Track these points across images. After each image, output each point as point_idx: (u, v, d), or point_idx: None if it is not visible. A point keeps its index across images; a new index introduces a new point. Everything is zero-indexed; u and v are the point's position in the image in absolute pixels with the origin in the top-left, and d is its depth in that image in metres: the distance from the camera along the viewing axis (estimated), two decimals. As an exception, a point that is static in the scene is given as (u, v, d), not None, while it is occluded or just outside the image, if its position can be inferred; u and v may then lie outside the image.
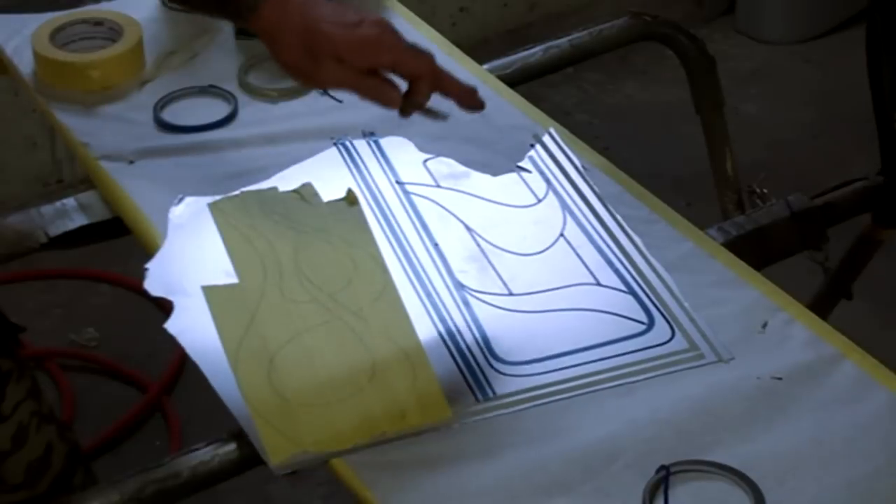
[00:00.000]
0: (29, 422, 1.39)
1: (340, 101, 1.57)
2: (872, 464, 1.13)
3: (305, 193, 1.42)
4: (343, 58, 1.24)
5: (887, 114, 1.64)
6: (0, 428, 1.37)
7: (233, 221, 1.39)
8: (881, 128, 1.66)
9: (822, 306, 1.77)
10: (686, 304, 1.29)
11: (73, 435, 1.49)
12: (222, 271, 1.33)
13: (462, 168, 1.48)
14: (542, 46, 1.76)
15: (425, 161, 1.49)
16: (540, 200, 1.44)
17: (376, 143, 1.51)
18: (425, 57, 1.27)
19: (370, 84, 1.27)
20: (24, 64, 1.64)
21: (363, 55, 1.25)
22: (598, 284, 1.33)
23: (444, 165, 1.48)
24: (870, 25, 1.63)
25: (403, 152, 1.50)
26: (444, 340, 1.26)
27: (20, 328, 1.41)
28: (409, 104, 1.29)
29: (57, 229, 1.49)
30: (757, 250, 1.46)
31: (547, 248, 1.38)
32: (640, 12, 1.82)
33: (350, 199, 1.42)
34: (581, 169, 1.47)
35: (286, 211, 1.40)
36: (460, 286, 1.32)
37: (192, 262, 1.35)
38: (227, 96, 1.58)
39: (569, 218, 1.42)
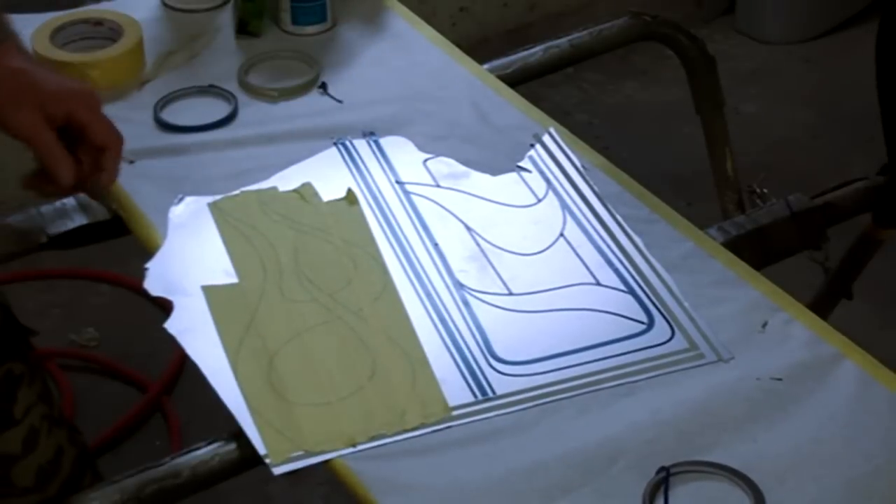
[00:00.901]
0: (40, 426, 1.38)
1: (340, 102, 1.57)
2: (872, 464, 1.13)
3: (305, 193, 1.43)
4: (44, 103, 1.25)
5: None
6: (11, 431, 1.36)
7: (233, 221, 1.39)
8: (888, 125, 1.65)
9: (822, 306, 1.77)
10: (686, 304, 1.29)
11: (83, 438, 1.49)
12: (222, 271, 1.33)
13: (462, 168, 1.48)
14: (542, 46, 1.75)
15: (425, 161, 1.49)
16: (540, 200, 1.44)
17: (376, 142, 1.51)
18: (118, 132, 1.30)
19: (51, 141, 1.27)
20: (24, 64, 1.63)
21: (64, 103, 1.26)
22: (598, 284, 1.33)
23: (444, 165, 1.48)
24: (883, 20, 1.62)
25: (403, 152, 1.50)
26: (444, 340, 1.26)
27: (32, 331, 1.40)
28: (94, 180, 1.30)
29: (57, 229, 1.49)
30: (757, 250, 1.46)
31: (547, 248, 1.38)
32: (640, 12, 1.82)
33: (350, 199, 1.42)
34: (581, 169, 1.47)
35: (286, 211, 1.40)
36: (460, 286, 1.32)
37: (192, 261, 1.35)
38: (227, 96, 1.58)
39: (569, 218, 1.42)
